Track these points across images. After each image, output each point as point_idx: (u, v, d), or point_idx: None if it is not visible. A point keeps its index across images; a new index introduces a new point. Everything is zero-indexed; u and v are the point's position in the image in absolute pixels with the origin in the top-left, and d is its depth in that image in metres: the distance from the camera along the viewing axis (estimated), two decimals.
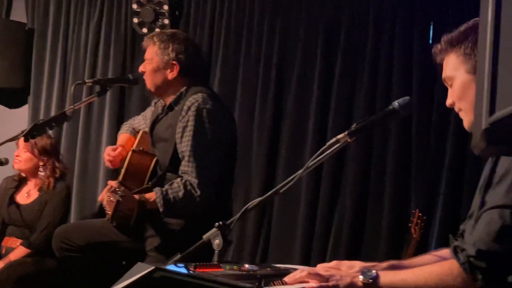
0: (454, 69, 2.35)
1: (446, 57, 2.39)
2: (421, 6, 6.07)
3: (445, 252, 2.53)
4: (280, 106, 6.35)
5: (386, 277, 2.22)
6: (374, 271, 2.23)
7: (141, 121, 4.58)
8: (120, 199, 3.79)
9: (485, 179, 2.24)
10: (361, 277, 2.22)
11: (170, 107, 4.14)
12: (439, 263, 2.25)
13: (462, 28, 2.37)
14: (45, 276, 5.16)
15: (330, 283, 2.23)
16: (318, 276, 2.25)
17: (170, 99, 4.14)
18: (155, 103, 4.45)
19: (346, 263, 2.41)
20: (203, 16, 6.62)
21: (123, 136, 4.57)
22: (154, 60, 4.15)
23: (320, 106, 6.21)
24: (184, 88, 4.12)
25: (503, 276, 2.08)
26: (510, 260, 2.07)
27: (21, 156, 5.45)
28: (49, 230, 4.98)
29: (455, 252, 2.14)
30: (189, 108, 3.97)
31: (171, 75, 4.12)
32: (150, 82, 4.18)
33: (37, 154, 5.42)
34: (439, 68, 2.46)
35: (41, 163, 5.44)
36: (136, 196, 3.93)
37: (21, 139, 4.91)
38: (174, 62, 4.10)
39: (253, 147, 6.34)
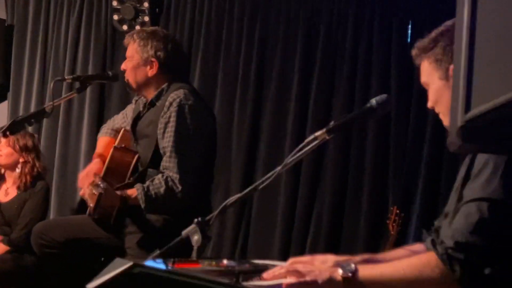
0: (428, 75, 2.39)
1: (422, 63, 2.42)
2: (399, 6, 6.10)
3: (419, 246, 2.55)
4: (259, 103, 6.36)
5: (365, 270, 2.23)
6: (353, 265, 2.23)
7: (121, 119, 4.57)
8: (103, 191, 3.79)
9: (462, 176, 2.26)
10: (340, 271, 2.22)
11: (152, 103, 4.15)
12: (417, 256, 2.26)
13: (432, 34, 2.39)
14: (25, 273, 5.14)
15: (308, 279, 2.24)
16: (296, 272, 2.26)
17: (151, 96, 4.15)
18: (136, 100, 4.45)
19: (319, 258, 2.42)
20: (183, 13, 6.62)
21: (102, 140, 4.55)
22: (134, 57, 4.16)
23: (299, 104, 6.22)
24: (166, 84, 4.13)
25: (480, 268, 2.09)
26: (488, 253, 2.08)
27: (2, 151, 5.42)
28: (29, 227, 4.95)
29: (433, 244, 2.16)
30: (171, 104, 3.98)
31: (150, 72, 4.13)
32: (131, 79, 4.18)
33: (18, 150, 5.40)
34: (418, 69, 2.50)
35: (21, 160, 5.42)
36: (118, 192, 3.92)
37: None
38: (153, 59, 4.12)
39: (232, 144, 6.35)
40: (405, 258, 2.28)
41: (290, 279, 2.26)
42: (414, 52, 2.44)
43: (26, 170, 5.40)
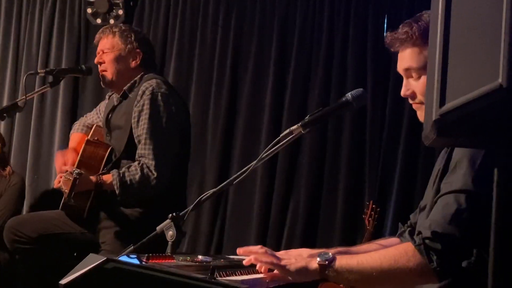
0: (424, 62, 2.31)
1: (406, 47, 2.37)
2: None
3: (393, 240, 2.55)
4: (235, 98, 6.35)
5: (342, 259, 2.23)
6: (330, 254, 2.23)
7: (94, 116, 4.57)
8: (77, 176, 3.79)
9: (440, 169, 2.26)
10: (318, 258, 2.22)
11: (124, 95, 4.16)
12: (394, 246, 2.26)
13: (425, 19, 2.33)
14: None
15: (282, 263, 2.24)
16: (272, 256, 2.27)
17: (125, 87, 4.17)
18: (109, 96, 4.45)
19: (293, 252, 2.42)
20: (158, 6, 6.59)
21: (75, 136, 4.54)
22: (115, 48, 4.17)
23: (274, 98, 6.22)
24: (139, 76, 4.16)
25: (457, 260, 2.10)
26: (465, 243, 2.09)
27: None
28: (2, 223, 4.91)
29: (411, 234, 2.16)
30: (143, 92, 4.01)
31: (134, 63, 4.17)
32: (111, 71, 4.18)
33: None
34: (394, 58, 2.45)
35: None
36: (93, 178, 3.93)
37: None
38: (138, 50, 4.16)
39: (207, 139, 6.34)
40: (384, 248, 2.29)
41: (264, 275, 2.27)
42: (400, 36, 2.37)
43: None
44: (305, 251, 2.37)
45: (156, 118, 3.99)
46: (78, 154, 4.18)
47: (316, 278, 2.25)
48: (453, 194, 2.12)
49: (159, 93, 4.02)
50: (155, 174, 3.91)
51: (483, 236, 2.07)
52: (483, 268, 2.11)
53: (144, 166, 3.91)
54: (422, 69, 2.33)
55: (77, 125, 4.62)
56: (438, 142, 1.53)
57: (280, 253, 2.32)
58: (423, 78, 2.33)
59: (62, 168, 4.02)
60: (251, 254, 2.28)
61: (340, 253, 2.36)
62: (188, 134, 4.27)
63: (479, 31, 1.33)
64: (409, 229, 2.21)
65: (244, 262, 2.31)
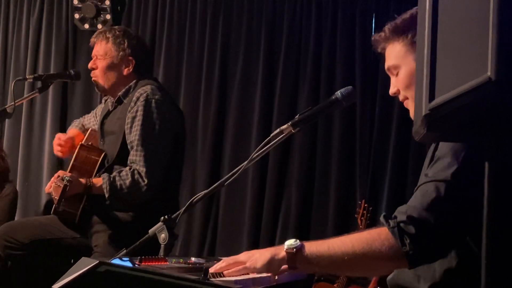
0: (400, 57, 2.34)
1: (390, 45, 2.38)
2: None
3: None
4: (224, 99, 6.35)
5: (311, 246, 2.18)
6: (298, 241, 2.19)
7: (91, 118, 4.56)
8: (68, 183, 3.78)
9: (428, 162, 2.27)
10: (285, 246, 2.18)
11: (119, 101, 4.14)
12: (367, 230, 2.22)
13: (406, 15, 2.35)
14: None
15: (248, 264, 2.22)
16: (236, 262, 2.25)
17: (119, 93, 4.15)
18: (105, 100, 4.43)
19: (255, 250, 2.39)
20: (145, 11, 6.59)
21: (73, 130, 4.56)
22: (108, 55, 4.14)
23: (264, 98, 6.23)
24: (134, 82, 4.14)
25: (429, 246, 2.10)
26: (439, 232, 2.09)
27: None
28: None
29: (386, 218, 2.15)
30: (137, 98, 3.99)
31: (126, 70, 4.14)
32: (103, 79, 4.16)
33: None
34: (381, 57, 2.46)
35: None
36: (83, 180, 3.92)
37: None
38: (130, 57, 4.12)
39: (198, 141, 6.33)
40: (356, 232, 2.24)
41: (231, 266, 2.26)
42: (383, 34, 2.38)
43: None
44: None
45: (149, 124, 3.97)
46: (73, 156, 4.19)
47: (285, 266, 2.20)
48: (433, 183, 2.12)
49: (153, 100, 4.00)
50: (146, 180, 3.89)
51: (458, 227, 2.09)
52: (453, 257, 2.13)
53: (135, 172, 3.90)
54: (398, 65, 2.35)
55: (76, 123, 4.62)
56: (428, 137, 1.53)
57: (240, 256, 2.30)
58: (401, 73, 2.35)
59: (60, 173, 4.00)
60: (216, 269, 2.26)
61: None
62: (182, 139, 4.26)
63: (467, 25, 1.33)
64: (384, 213, 2.19)
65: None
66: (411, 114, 2.34)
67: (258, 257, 2.22)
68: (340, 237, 2.20)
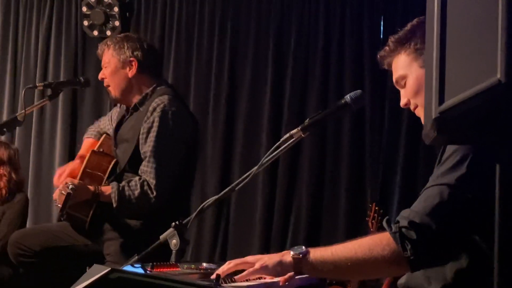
0: (406, 67, 2.37)
1: (396, 58, 2.41)
2: (370, 1, 6.13)
3: None
4: (233, 104, 6.36)
5: (316, 252, 2.24)
6: (303, 247, 2.24)
7: (107, 122, 4.54)
8: (71, 192, 3.76)
9: (437, 160, 2.27)
10: (291, 252, 2.23)
11: (135, 108, 4.12)
12: (370, 236, 2.25)
13: (407, 27, 2.39)
14: (1, 284, 5.08)
15: (257, 266, 2.24)
16: (245, 264, 2.27)
17: (135, 100, 4.12)
18: (120, 105, 4.42)
19: (261, 255, 2.42)
20: (153, 17, 6.61)
21: (87, 141, 4.52)
22: (111, 62, 4.13)
23: (273, 103, 6.23)
24: (150, 89, 4.10)
25: (431, 252, 2.10)
26: (440, 237, 2.09)
27: None
28: (5, 240, 4.89)
29: (388, 223, 2.16)
30: (154, 109, 3.96)
31: (130, 73, 4.11)
32: (112, 85, 4.15)
33: None
34: (390, 74, 2.48)
35: None
36: (91, 187, 3.90)
37: None
38: (131, 59, 4.10)
39: (208, 146, 6.34)
40: (359, 238, 2.26)
41: (267, 279, 2.27)
42: (388, 48, 2.42)
43: (2, 184, 5.30)
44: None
45: (164, 136, 3.94)
46: (83, 163, 4.18)
47: (291, 271, 2.25)
48: (437, 187, 2.12)
49: (170, 112, 3.96)
50: (155, 193, 3.87)
51: (461, 232, 2.09)
52: (454, 262, 2.12)
53: (145, 183, 3.88)
54: (404, 76, 2.38)
55: (92, 130, 4.58)
56: (438, 140, 1.53)
57: (248, 258, 2.33)
58: (408, 82, 2.37)
59: (56, 182, 3.99)
60: (224, 271, 2.27)
61: None
62: (195, 148, 4.25)
63: (476, 28, 1.32)
64: (386, 217, 2.20)
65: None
66: (423, 121, 2.34)
67: (267, 260, 2.26)
68: (344, 243, 2.25)
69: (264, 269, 2.25)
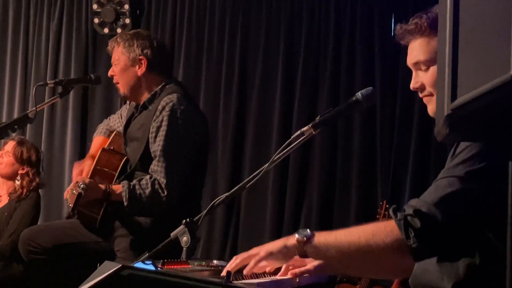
0: (434, 53, 2.24)
1: (425, 39, 2.30)
2: None
3: None
4: (244, 101, 6.36)
5: (320, 235, 2.23)
6: (308, 230, 2.24)
7: (117, 120, 4.54)
8: (82, 191, 3.76)
9: (450, 155, 2.25)
10: (296, 235, 2.22)
11: (144, 106, 4.12)
12: (375, 222, 2.25)
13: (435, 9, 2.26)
14: (12, 281, 5.10)
15: (262, 253, 2.25)
16: (249, 256, 2.27)
17: (144, 98, 4.12)
18: (130, 102, 4.42)
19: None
20: (164, 15, 6.61)
21: (97, 139, 4.52)
22: (121, 59, 4.13)
23: (284, 101, 6.23)
24: (159, 87, 4.10)
25: (434, 242, 2.09)
26: (445, 229, 2.07)
27: (3, 158, 5.36)
28: (16, 236, 4.90)
29: (394, 211, 2.15)
30: (163, 108, 3.96)
31: (140, 71, 4.10)
32: (122, 83, 4.15)
33: (20, 161, 5.34)
34: (403, 55, 2.41)
35: (21, 171, 5.35)
36: (102, 186, 3.91)
37: (9, 142, 5.15)
38: (141, 57, 4.09)
39: (218, 143, 6.34)
40: (364, 224, 2.26)
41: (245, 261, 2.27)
42: (417, 26, 2.29)
43: (24, 183, 5.34)
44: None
45: (173, 135, 3.94)
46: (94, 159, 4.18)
47: (296, 254, 2.25)
48: (447, 179, 2.11)
49: (179, 110, 3.96)
50: (165, 192, 3.86)
51: (470, 224, 2.07)
52: (495, 257, 2.11)
53: (156, 182, 3.88)
54: (430, 61, 2.28)
55: (101, 128, 4.58)
56: (450, 137, 1.52)
57: (252, 251, 2.32)
58: (432, 69, 2.28)
59: (78, 178, 3.99)
60: (232, 267, 2.27)
61: None
62: (205, 148, 4.24)
63: (489, 24, 1.32)
64: (393, 206, 2.19)
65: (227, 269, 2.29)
66: (430, 110, 2.32)
67: (271, 245, 2.27)
68: (348, 228, 2.26)
69: (269, 255, 2.24)
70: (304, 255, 2.24)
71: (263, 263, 2.30)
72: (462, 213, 2.08)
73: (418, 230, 2.06)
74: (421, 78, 2.33)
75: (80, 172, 4.17)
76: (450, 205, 2.07)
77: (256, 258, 2.26)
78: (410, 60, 2.36)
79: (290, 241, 2.24)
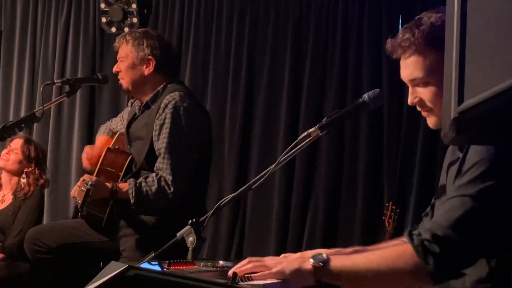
0: (434, 71, 2.21)
1: (421, 57, 2.26)
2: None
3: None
4: (251, 102, 6.36)
5: (337, 260, 2.18)
6: (324, 255, 2.19)
7: (119, 122, 4.56)
8: (91, 188, 3.77)
9: (453, 173, 2.23)
10: (311, 260, 2.18)
11: (147, 106, 4.13)
12: (393, 247, 2.23)
13: (437, 21, 2.25)
14: (19, 280, 5.11)
15: (274, 270, 2.19)
16: (262, 266, 2.24)
17: (147, 98, 4.13)
18: (132, 103, 4.43)
19: (310, 253, 2.38)
20: (171, 14, 6.62)
21: (101, 138, 4.55)
22: (129, 57, 4.13)
23: (291, 101, 6.23)
24: (161, 86, 4.11)
25: (454, 264, 2.08)
26: (464, 250, 2.07)
27: (10, 155, 5.38)
28: (22, 234, 4.92)
29: (410, 236, 2.14)
30: (166, 105, 3.97)
31: (147, 70, 4.11)
32: (126, 80, 4.16)
33: (27, 159, 5.36)
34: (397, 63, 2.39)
35: (27, 169, 5.37)
36: (109, 185, 3.91)
37: (16, 140, 5.16)
38: (150, 57, 4.10)
39: (225, 143, 6.34)
40: (381, 249, 2.25)
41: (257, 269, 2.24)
42: (412, 41, 2.26)
43: (30, 180, 5.36)
44: (322, 252, 2.34)
45: (177, 132, 3.95)
46: (100, 159, 4.19)
47: (310, 280, 2.19)
48: (460, 198, 2.08)
49: (182, 107, 3.98)
50: (172, 189, 3.87)
51: (486, 243, 2.06)
52: (477, 275, 2.10)
53: (162, 179, 3.89)
54: (428, 77, 2.24)
55: (103, 128, 4.62)
56: (457, 141, 1.52)
57: (267, 259, 2.28)
58: (431, 85, 2.25)
59: (85, 176, 4.00)
60: (241, 270, 2.24)
61: (358, 251, 2.33)
62: (209, 145, 4.25)
63: (496, 27, 1.31)
64: (408, 229, 2.17)
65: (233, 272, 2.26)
66: (430, 123, 2.30)
67: (285, 265, 2.20)
68: (365, 253, 2.22)
69: (281, 275, 2.21)
70: (319, 280, 2.20)
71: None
72: (478, 233, 2.06)
73: (437, 255, 2.06)
74: (419, 94, 2.30)
75: (91, 159, 4.21)
76: (466, 226, 2.06)
77: (266, 273, 2.21)
78: (406, 76, 2.31)
79: (305, 265, 2.19)
